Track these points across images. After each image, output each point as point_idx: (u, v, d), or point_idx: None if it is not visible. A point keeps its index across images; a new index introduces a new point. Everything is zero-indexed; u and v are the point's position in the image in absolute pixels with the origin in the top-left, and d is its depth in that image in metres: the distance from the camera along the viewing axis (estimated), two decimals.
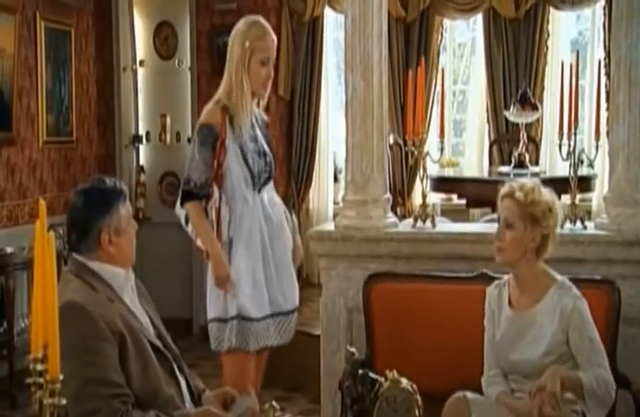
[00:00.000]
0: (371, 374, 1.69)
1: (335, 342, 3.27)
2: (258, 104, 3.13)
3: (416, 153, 3.27)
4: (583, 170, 5.50)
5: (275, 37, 3.15)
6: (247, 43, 3.02)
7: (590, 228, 3.13)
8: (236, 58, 3.02)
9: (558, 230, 3.02)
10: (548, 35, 6.02)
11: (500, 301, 2.69)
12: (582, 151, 3.17)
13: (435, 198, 5.46)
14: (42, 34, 5.25)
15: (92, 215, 2.18)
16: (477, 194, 4.59)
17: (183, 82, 6.07)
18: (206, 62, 5.93)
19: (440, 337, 2.91)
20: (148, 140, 6.13)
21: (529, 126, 5.62)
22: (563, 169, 5.87)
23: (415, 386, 1.70)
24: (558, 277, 2.63)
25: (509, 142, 5.69)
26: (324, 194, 5.92)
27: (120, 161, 6.05)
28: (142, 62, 6.16)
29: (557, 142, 5.98)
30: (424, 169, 3.30)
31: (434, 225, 3.26)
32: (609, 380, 2.49)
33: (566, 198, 3.17)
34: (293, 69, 5.92)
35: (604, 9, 5.84)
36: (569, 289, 2.59)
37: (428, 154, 3.30)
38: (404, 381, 1.64)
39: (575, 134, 3.17)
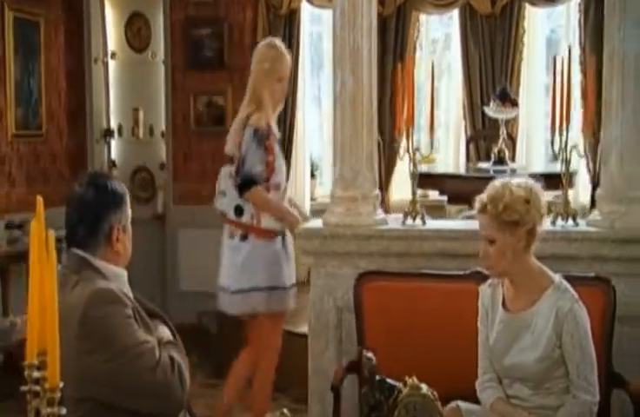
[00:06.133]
0: (389, 380, 1.62)
1: (323, 342, 3.20)
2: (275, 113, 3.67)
3: (402, 148, 3.20)
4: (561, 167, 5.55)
5: (289, 58, 3.64)
6: (266, 64, 3.56)
7: (582, 225, 3.10)
8: (257, 76, 3.58)
9: (550, 227, 3.00)
10: (523, 31, 6.01)
11: (494, 302, 2.62)
12: (574, 147, 3.12)
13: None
14: (10, 24, 5.07)
15: (105, 209, 2.11)
16: (459, 190, 4.54)
17: (156, 75, 5.94)
18: (180, 55, 5.80)
19: (433, 337, 2.86)
20: (120, 134, 5.99)
21: (506, 122, 5.60)
22: (539, 166, 5.91)
23: (435, 392, 1.63)
24: (555, 277, 2.56)
25: (485, 138, 5.67)
26: (301, 190, 5.83)
27: (91, 155, 5.89)
28: (113, 55, 6.00)
29: (536, 138, 6.14)
30: (415, 166, 3.23)
31: (424, 222, 3.20)
32: (591, 403, 2.45)
33: (548, 195, 3.13)
34: None
35: (579, 5, 5.86)
36: (565, 291, 2.52)
37: (418, 149, 3.23)
38: (424, 387, 1.57)
39: (567, 130, 3.13)
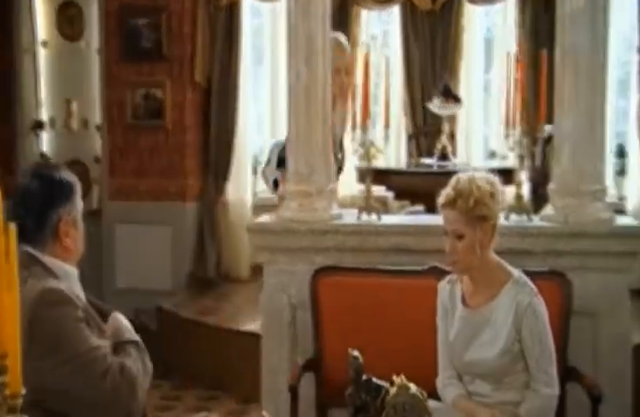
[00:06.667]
0: (375, 380, 1.56)
1: (277, 340, 3.12)
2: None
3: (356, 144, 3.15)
4: (503, 163, 5.61)
5: (348, 49, 3.73)
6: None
7: (536, 219, 3.11)
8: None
9: (505, 223, 3.00)
10: (463, 28, 6.06)
11: (453, 299, 2.60)
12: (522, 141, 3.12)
13: (355, 190, 5.37)
14: None
15: (51, 201, 1.97)
16: (404, 186, 4.53)
17: (90, 65, 5.72)
18: (116, 45, 5.59)
19: (391, 334, 2.82)
20: (53, 126, 5.74)
21: (446, 119, 5.64)
22: (478, 162, 5.96)
23: (424, 392, 1.58)
24: (514, 272, 2.56)
25: (426, 134, 5.69)
26: (243, 186, 5.72)
27: (23, 148, 5.64)
28: (45, 44, 5.75)
29: (475, 134, 6.20)
30: (369, 160, 3.19)
31: (379, 217, 3.16)
32: (552, 396, 2.46)
33: None
34: (210, 56, 5.68)
35: (517, 4, 5.94)
36: (524, 285, 2.52)
37: (373, 144, 3.19)
38: (413, 387, 1.51)
39: (522, 126, 3.13)
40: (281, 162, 3.47)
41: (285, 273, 3.10)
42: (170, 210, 5.49)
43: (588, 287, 2.93)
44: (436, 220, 3.17)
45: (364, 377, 1.57)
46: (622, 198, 5.48)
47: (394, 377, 1.55)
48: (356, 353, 1.59)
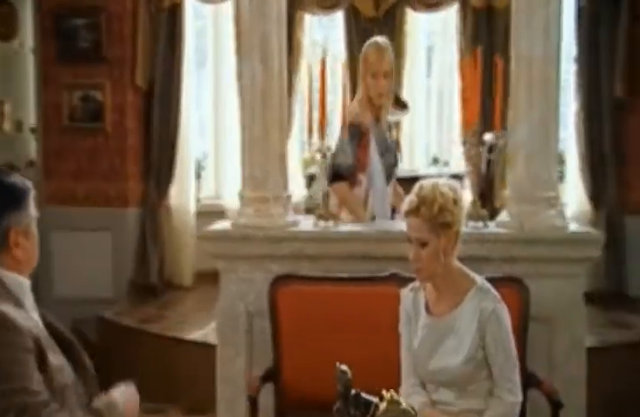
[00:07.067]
0: (364, 395, 1.51)
1: (233, 349, 3.04)
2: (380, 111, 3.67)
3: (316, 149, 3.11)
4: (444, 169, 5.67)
5: (388, 54, 3.67)
6: (362, 59, 3.66)
7: (491, 226, 3.12)
8: (360, 71, 3.69)
9: (463, 229, 3.00)
10: (406, 35, 6.10)
11: (416, 306, 2.57)
12: (494, 146, 3.11)
13: (299, 196, 5.33)
14: None
15: (0, 210, 1.83)
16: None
17: (24, 66, 5.50)
18: (51, 45, 5.40)
19: (352, 342, 2.78)
20: None
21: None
22: (422, 168, 6.00)
23: (415, 407, 1.54)
24: (477, 278, 2.56)
25: None
26: (186, 190, 5.60)
27: None
28: None
29: (418, 141, 6.24)
30: (325, 167, 3.15)
31: (337, 224, 3.12)
32: (515, 403, 2.46)
33: None
34: (151, 57, 5.55)
35: (459, 12, 6.02)
36: (488, 292, 2.52)
37: (329, 149, 3.15)
38: (404, 402, 1.47)
39: (483, 132, 3.13)
40: (332, 172, 3.44)
41: (242, 281, 3.03)
42: (111, 215, 5.33)
43: (543, 293, 2.95)
44: (394, 226, 3.17)
45: (353, 392, 1.52)
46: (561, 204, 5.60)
47: (383, 391, 1.50)
48: (344, 367, 1.54)
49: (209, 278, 5.62)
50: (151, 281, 5.40)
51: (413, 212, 2.44)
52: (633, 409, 3.96)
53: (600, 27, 5.28)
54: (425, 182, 2.50)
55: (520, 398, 2.49)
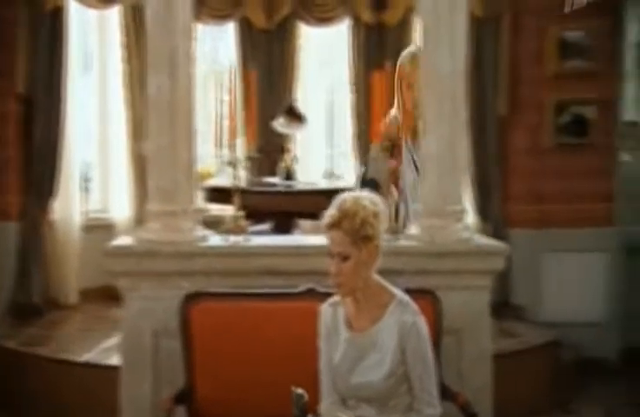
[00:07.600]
0: None
1: (139, 370, 2.88)
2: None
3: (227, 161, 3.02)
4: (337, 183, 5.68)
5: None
6: (399, 66, 3.59)
7: (402, 239, 3.13)
8: (395, 80, 3.58)
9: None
10: (299, 48, 6.10)
11: (335, 322, 2.53)
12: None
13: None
14: None
15: None
16: (258, 204, 4.43)
17: None
18: None
19: (271, 361, 2.69)
20: None
21: (284, 138, 5.64)
22: (318, 182, 5.99)
23: None
24: (396, 291, 2.55)
25: (269, 153, 5.63)
26: (70, 203, 5.31)
27: None
28: None
29: (313, 154, 6.24)
30: (239, 179, 3.06)
31: (247, 239, 3.04)
32: (434, 416, 2.47)
33: None
34: (32, 64, 5.24)
35: (351, 28, 6.09)
36: (407, 305, 2.52)
37: (249, 158, 3.07)
38: None
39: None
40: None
41: (149, 299, 2.88)
42: None
43: (452, 305, 2.98)
44: (305, 240, 3.13)
45: (310, 416, 1.45)
46: None
47: (339, 414, 1.44)
48: (300, 390, 1.47)
49: (95, 295, 5.39)
50: (34, 300, 5.08)
51: (335, 225, 2.41)
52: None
53: (484, 44, 5.45)
54: (347, 196, 2.48)
55: (439, 410, 2.50)
